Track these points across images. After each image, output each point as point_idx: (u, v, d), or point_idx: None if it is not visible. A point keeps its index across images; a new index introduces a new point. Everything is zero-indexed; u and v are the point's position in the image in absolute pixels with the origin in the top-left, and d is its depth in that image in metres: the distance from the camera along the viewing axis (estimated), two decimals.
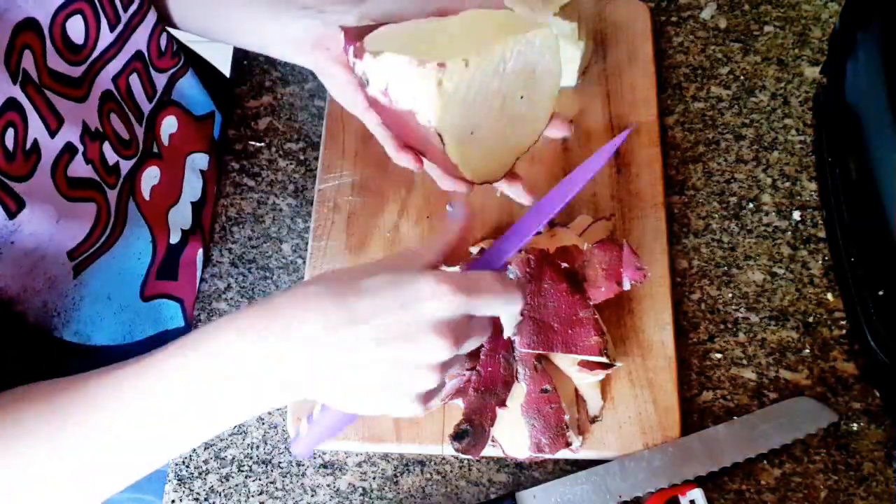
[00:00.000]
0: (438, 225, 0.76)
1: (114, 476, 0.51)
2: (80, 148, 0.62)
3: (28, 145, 0.57)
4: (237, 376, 0.48)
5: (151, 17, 0.69)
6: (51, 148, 0.59)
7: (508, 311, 0.50)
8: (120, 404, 0.49)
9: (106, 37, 0.64)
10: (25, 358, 0.61)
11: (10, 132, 0.55)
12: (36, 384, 0.51)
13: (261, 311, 0.48)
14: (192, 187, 0.78)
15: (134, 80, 0.69)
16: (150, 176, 0.72)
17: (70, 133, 0.61)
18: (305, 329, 0.47)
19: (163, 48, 0.71)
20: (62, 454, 0.49)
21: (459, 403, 0.65)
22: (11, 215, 0.55)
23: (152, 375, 0.49)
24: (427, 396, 0.50)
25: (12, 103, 0.55)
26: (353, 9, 0.62)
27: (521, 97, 0.58)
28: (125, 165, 0.68)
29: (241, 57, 0.88)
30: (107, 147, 0.65)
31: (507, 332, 0.65)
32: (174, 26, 0.74)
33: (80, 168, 0.62)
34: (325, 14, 0.63)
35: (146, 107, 0.71)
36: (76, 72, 0.62)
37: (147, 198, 0.71)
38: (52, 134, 0.59)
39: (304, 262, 0.77)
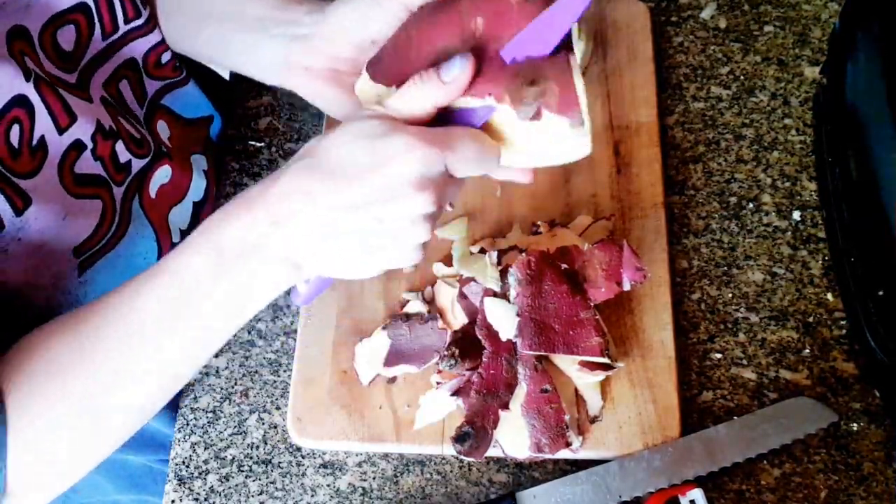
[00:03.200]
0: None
1: (155, 383, 0.53)
2: (90, 145, 0.62)
3: (35, 142, 0.57)
4: (238, 262, 0.49)
5: (156, 36, 0.69)
6: (58, 145, 0.59)
7: (484, 169, 0.49)
8: (141, 312, 0.51)
9: (96, 44, 0.64)
10: None
11: (16, 129, 0.55)
12: (55, 320, 0.53)
13: (247, 201, 0.50)
14: (197, 187, 0.78)
15: (124, 86, 0.69)
16: (162, 175, 0.72)
17: (81, 131, 0.61)
18: (291, 209, 0.48)
19: (163, 61, 0.71)
20: (99, 379, 0.51)
21: (460, 404, 0.65)
22: (19, 212, 0.55)
23: (164, 277, 0.51)
24: (423, 244, 0.51)
25: (21, 100, 0.56)
26: (315, 27, 0.59)
27: None
28: (137, 164, 0.68)
29: None
30: (119, 145, 0.66)
31: (507, 333, 0.66)
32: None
33: (87, 165, 0.62)
34: (297, 28, 0.60)
35: (139, 112, 0.71)
36: (71, 77, 0.62)
37: (153, 196, 0.71)
38: (62, 131, 0.59)
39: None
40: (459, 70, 0.48)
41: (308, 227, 0.48)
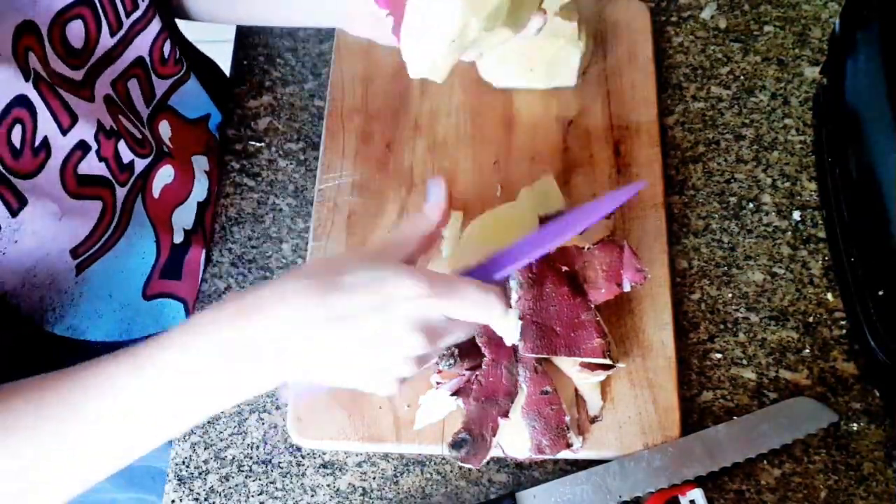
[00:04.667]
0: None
1: (93, 465, 0.53)
2: (94, 146, 0.62)
3: (37, 142, 0.57)
4: (212, 372, 0.50)
5: (155, 25, 0.69)
6: (62, 145, 0.59)
7: (484, 319, 0.52)
8: (96, 400, 0.50)
9: (106, 41, 0.64)
10: (10, 350, 0.61)
11: (18, 129, 0.55)
12: (18, 381, 0.52)
13: (240, 305, 0.50)
14: (201, 187, 0.78)
15: (133, 84, 0.69)
16: (164, 175, 0.72)
17: (84, 131, 0.61)
18: (284, 326, 0.49)
19: (166, 55, 0.71)
20: (44, 448, 0.50)
21: (460, 404, 0.65)
22: (14, 213, 0.55)
23: (128, 372, 0.50)
24: (401, 380, 0.53)
25: (22, 100, 0.56)
26: None
27: None
28: (140, 164, 0.68)
29: (242, 57, 0.88)
30: (122, 145, 0.66)
31: (511, 339, 0.65)
32: (193, 18, 0.75)
33: (92, 165, 0.63)
34: None
35: (144, 112, 0.71)
36: (77, 75, 0.62)
37: (156, 196, 0.71)
38: (65, 132, 0.59)
39: (304, 263, 0.77)
40: (439, 190, 0.55)
41: (297, 346, 0.49)
